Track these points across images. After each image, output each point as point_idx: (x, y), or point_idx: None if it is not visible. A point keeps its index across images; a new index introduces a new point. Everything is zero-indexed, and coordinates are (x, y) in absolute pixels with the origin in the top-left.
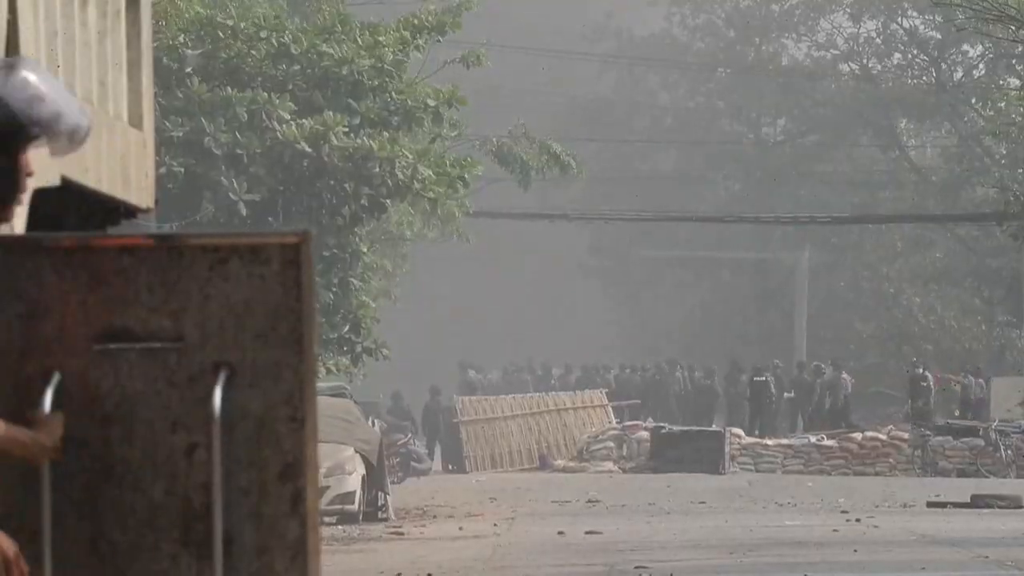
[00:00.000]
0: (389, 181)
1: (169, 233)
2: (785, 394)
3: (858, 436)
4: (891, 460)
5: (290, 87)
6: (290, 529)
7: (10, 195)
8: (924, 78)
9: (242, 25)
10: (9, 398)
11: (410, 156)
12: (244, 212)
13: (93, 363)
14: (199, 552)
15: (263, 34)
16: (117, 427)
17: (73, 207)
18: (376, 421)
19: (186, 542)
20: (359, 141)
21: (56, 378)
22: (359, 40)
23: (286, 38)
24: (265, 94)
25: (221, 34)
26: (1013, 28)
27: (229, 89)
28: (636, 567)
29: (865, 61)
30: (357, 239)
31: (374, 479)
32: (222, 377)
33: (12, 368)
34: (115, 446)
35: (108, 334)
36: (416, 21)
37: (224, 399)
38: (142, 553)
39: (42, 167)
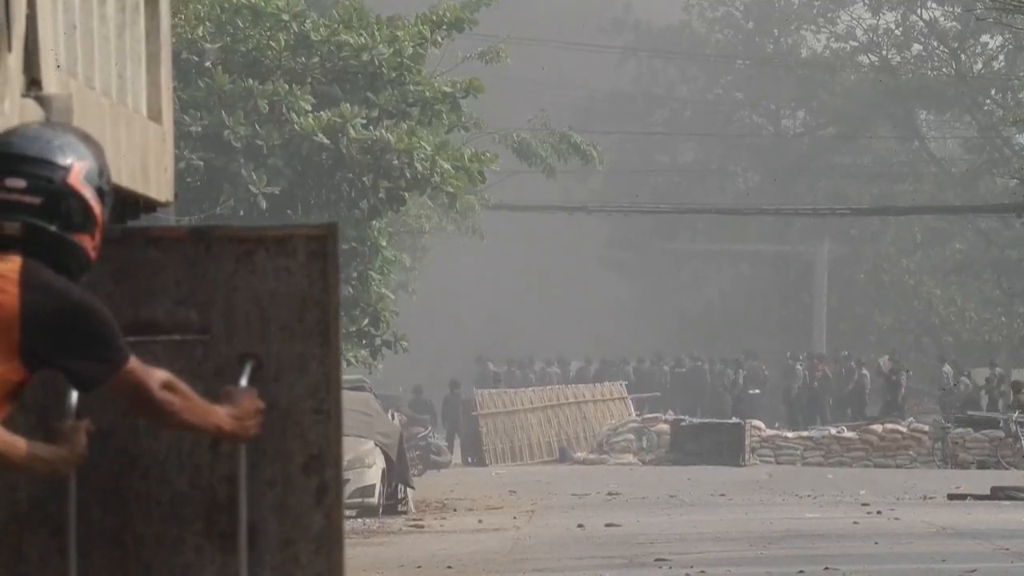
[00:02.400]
0: (407, 174)
1: (197, 226)
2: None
3: (878, 428)
4: (911, 452)
5: (309, 80)
6: (315, 521)
7: (87, 270)
8: (944, 69)
9: (263, 4)
10: (37, 393)
11: (428, 148)
12: (264, 205)
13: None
14: (223, 544)
15: (285, 17)
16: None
17: None
18: (396, 414)
19: (210, 534)
20: (377, 133)
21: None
22: (377, 34)
23: (307, 25)
24: (286, 85)
25: (241, 23)
26: None
27: (250, 81)
28: (656, 559)
29: (884, 52)
30: (376, 232)
31: (394, 472)
32: (247, 368)
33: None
34: (141, 438)
35: (135, 326)
36: (435, 17)
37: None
38: (166, 545)
39: None
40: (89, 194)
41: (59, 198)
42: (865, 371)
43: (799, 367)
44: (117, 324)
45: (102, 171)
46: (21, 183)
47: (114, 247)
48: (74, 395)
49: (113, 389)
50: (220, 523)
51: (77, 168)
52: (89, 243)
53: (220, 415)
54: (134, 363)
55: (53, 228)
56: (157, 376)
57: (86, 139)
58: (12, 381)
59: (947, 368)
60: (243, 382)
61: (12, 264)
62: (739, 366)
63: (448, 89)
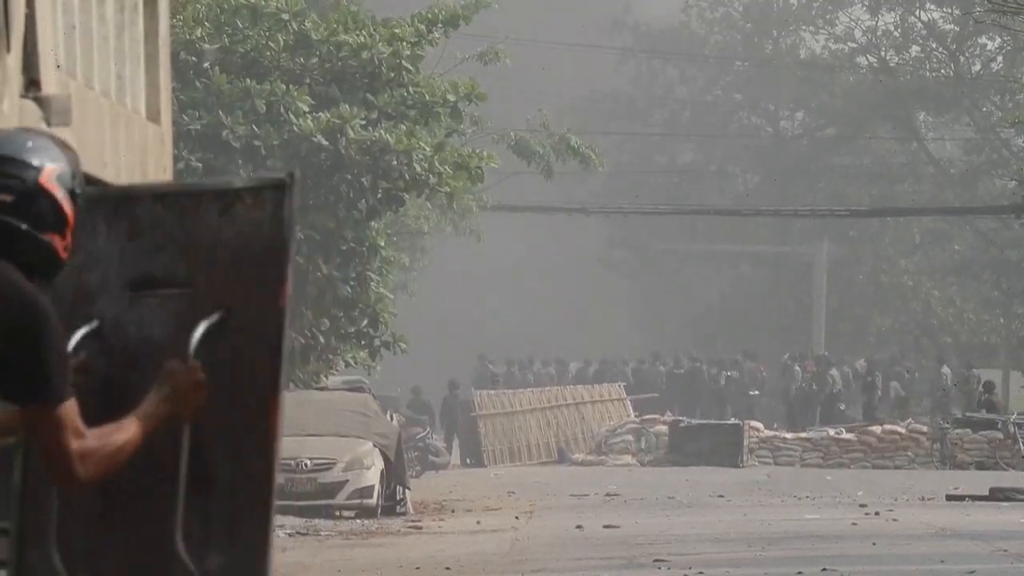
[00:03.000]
0: (406, 175)
1: (191, 182)
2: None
3: (877, 429)
4: (910, 453)
5: (307, 81)
6: (259, 469)
7: (58, 271)
8: (942, 71)
9: (263, 3)
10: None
11: (427, 149)
12: None
13: (127, 310)
14: (193, 491)
15: (285, 17)
16: (139, 372)
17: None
18: (394, 415)
19: (173, 480)
20: (376, 134)
21: (94, 324)
22: (375, 34)
23: (307, 24)
24: (283, 86)
25: (240, 23)
26: None
27: (248, 81)
28: (654, 560)
29: (883, 54)
30: (375, 233)
31: (393, 473)
32: (208, 321)
33: (63, 320)
34: (140, 390)
35: (139, 281)
36: (430, 15)
37: (219, 340)
38: (143, 494)
39: None
40: (60, 195)
41: (30, 197)
42: (835, 372)
43: (797, 368)
44: (67, 359)
45: (74, 174)
46: None
47: (129, 204)
48: (195, 337)
49: (35, 421)
50: (193, 471)
51: (49, 169)
52: (60, 243)
53: (131, 428)
54: (71, 407)
55: (24, 226)
56: (78, 427)
57: (61, 144)
58: None
59: (945, 369)
60: (198, 333)
61: None
62: (723, 367)
63: (451, 97)
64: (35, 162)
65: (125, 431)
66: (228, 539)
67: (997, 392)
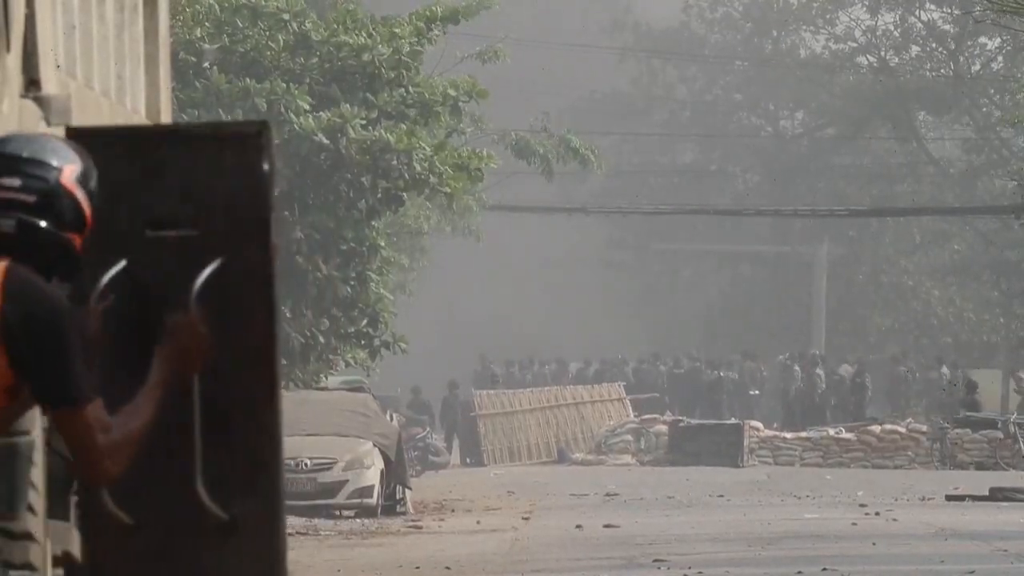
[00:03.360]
0: (406, 174)
1: (181, 124)
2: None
3: (877, 429)
4: (910, 453)
5: (307, 80)
6: (265, 414)
7: (77, 270)
8: (942, 70)
9: (263, 3)
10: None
11: (427, 149)
12: None
13: (146, 250)
14: (207, 442)
15: (285, 16)
16: (158, 309)
17: None
18: (394, 415)
19: (184, 421)
20: (377, 134)
21: (121, 264)
22: (374, 33)
23: (307, 25)
24: (284, 85)
25: (240, 22)
26: None
27: (248, 80)
28: (654, 560)
29: (883, 54)
30: (374, 233)
31: (393, 473)
32: (215, 264)
33: (90, 260)
34: (154, 330)
35: (156, 222)
36: (429, 12)
37: (217, 286)
38: (165, 447)
39: None
40: (80, 194)
41: (52, 197)
42: (820, 371)
43: (796, 368)
44: (88, 359)
45: (91, 174)
46: (16, 181)
47: (145, 145)
48: (195, 287)
49: (63, 423)
50: (208, 419)
51: (69, 169)
52: (78, 242)
53: (147, 408)
54: (97, 405)
55: (47, 225)
56: (105, 422)
57: (76, 146)
58: (3, 384)
59: (945, 370)
60: (198, 282)
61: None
62: (715, 367)
63: (452, 92)
64: (55, 162)
65: (142, 412)
66: (247, 485)
67: (979, 392)
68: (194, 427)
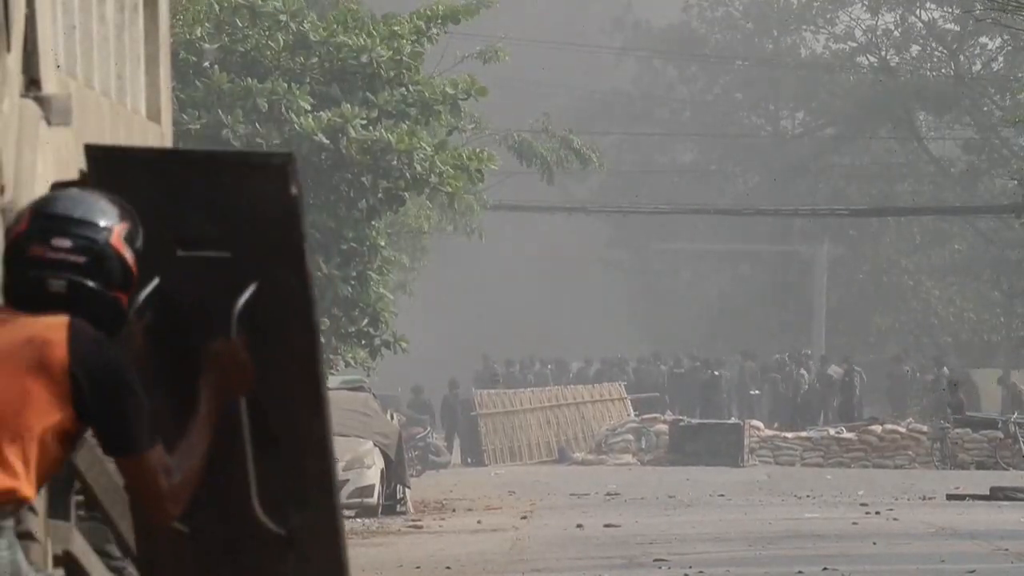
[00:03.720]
0: (407, 174)
1: (210, 149)
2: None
3: (877, 429)
4: (910, 453)
5: (307, 80)
6: (315, 429)
7: (123, 326)
8: (943, 70)
9: (260, 3)
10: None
11: (428, 149)
12: None
13: (178, 270)
14: (259, 455)
15: (282, 18)
16: (192, 331)
17: None
18: (395, 415)
19: (246, 441)
20: (377, 134)
21: (155, 282)
22: (375, 32)
23: (305, 25)
24: (285, 85)
25: (240, 22)
26: None
27: (249, 80)
28: (655, 560)
29: (883, 53)
30: (375, 232)
31: (393, 473)
32: (252, 288)
33: None
34: (191, 353)
35: (186, 242)
36: (430, 12)
37: (254, 307)
38: (218, 466)
39: (60, 161)
40: (128, 254)
41: (102, 257)
42: (804, 371)
43: (788, 367)
44: (148, 407)
45: (137, 234)
46: (67, 243)
47: (171, 166)
48: (235, 312)
49: (126, 470)
50: (257, 437)
51: (118, 230)
52: (125, 300)
53: (200, 442)
54: (158, 449)
55: (96, 285)
56: (166, 464)
57: (120, 204)
58: (68, 430)
59: (945, 370)
60: (237, 308)
61: (60, 321)
62: (709, 367)
63: (450, 91)
64: (103, 223)
65: (197, 448)
66: (300, 499)
67: (961, 392)
68: (245, 448)
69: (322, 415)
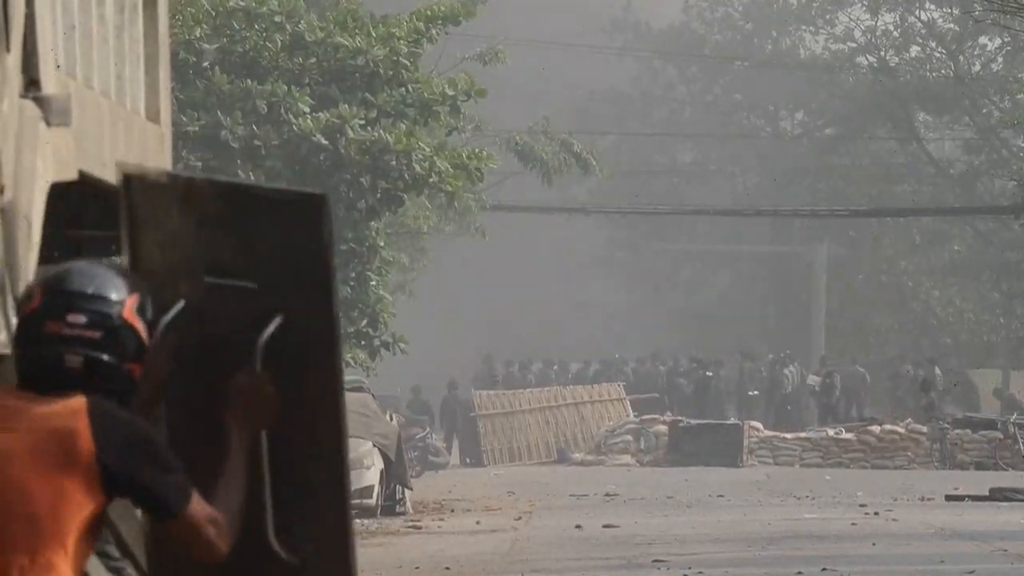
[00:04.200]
0: (406, 174)
1: (242, 182)
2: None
3: (876, 429)
4: (909, 453)
5: (306, 81)
6: (333, 465)
7: (133, 396)
8: (942, 71)
9: (255, 5)
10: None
11: (427, 149)
12: None
13: (205, 296)
14: (275, 487)
15: (278, 19)
16: (217, 359)
17: (90, 202)
18: (394, 415)
19: (252, 472)
20: (376, 134)
21: (180, 305)
22: (373, 33)
23: (301, 26)
24: (284, 86)
25: (236, 24)
26: None
27: (248, 81)
28: (654, 560)
29: (883, 54)
30: (374, 233)
31: (392, 473)
32: (277, 321)
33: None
34: (215, 380)
35: (213, 270)
36: (429, 12)
37: (277, 341)
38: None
39: (60, 161)
40: (141, 326)
41: (116, 331)
42: (788, 371)
43: (776, 368)
44: (178, 464)
45: (148, 305)
46: (82, 319)
47: (197, 193)
48: (260, 346)
49: (172, 530)
50: (275, 469)
51: (130, 302)
52: (138, 371)
53: (237, 480)
54: (197, 500)
55: (111, 359)
56: (208, 513)
57: (128, 275)
58: (101, 514)
59: (938, 371)
60: (262, 341)
61: (78, 401)
62: (706, 367)
63: (450, 92)
64: (115, 296)
65: (235, 486)
66: (315, 531)
67: (933, 393)
68: (264, 481)
69: (340, 451)
